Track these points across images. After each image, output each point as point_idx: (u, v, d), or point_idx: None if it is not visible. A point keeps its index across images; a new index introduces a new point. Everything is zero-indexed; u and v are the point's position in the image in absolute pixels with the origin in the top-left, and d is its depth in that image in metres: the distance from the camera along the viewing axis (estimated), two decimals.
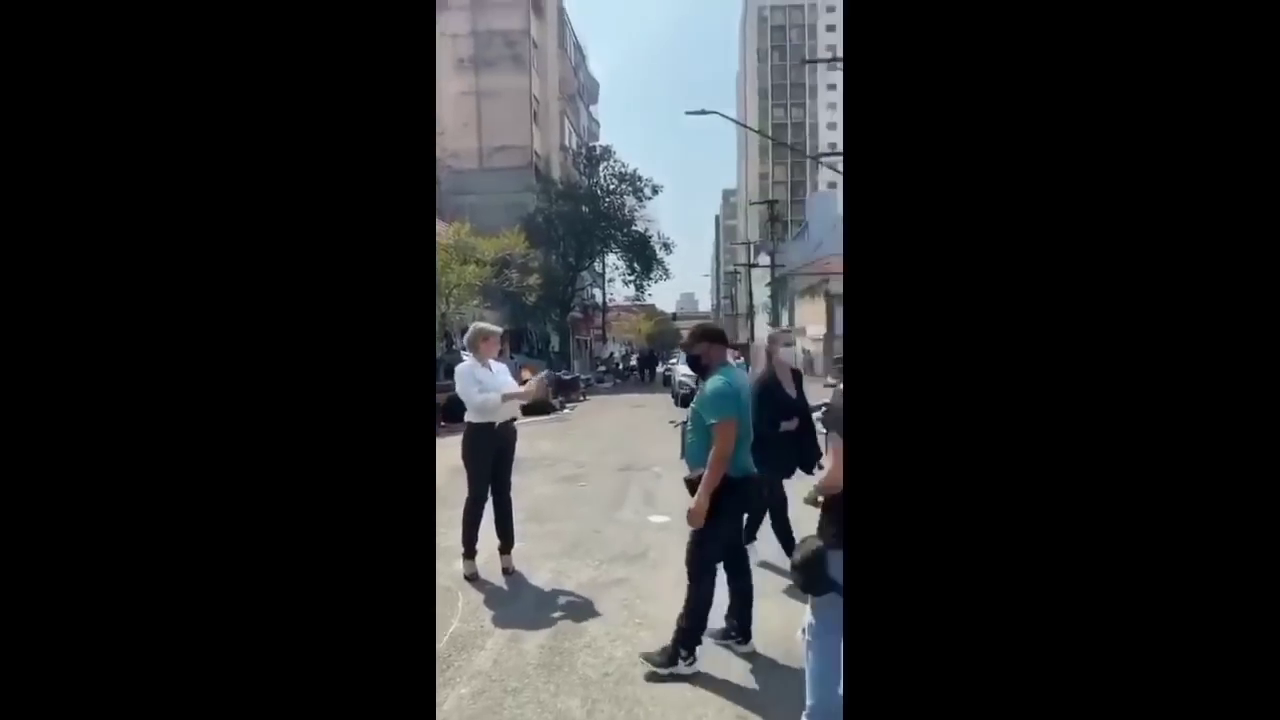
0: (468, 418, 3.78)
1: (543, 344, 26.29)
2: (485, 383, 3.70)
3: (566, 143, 34.19)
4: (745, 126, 30.41)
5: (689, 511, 2.47)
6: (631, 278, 29.75)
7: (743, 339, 38.57)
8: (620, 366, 31.34)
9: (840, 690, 1.85)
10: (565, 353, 28.60)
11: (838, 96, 66.36)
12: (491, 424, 3.71)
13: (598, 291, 34.04)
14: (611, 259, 30.37)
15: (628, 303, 38.97)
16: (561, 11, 34.90)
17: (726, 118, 16.15)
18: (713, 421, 2.43)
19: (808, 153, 55.04)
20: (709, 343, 2.63)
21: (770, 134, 46.51)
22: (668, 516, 4.80)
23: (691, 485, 2.53)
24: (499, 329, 4.05)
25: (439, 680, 2.56)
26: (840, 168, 19.47)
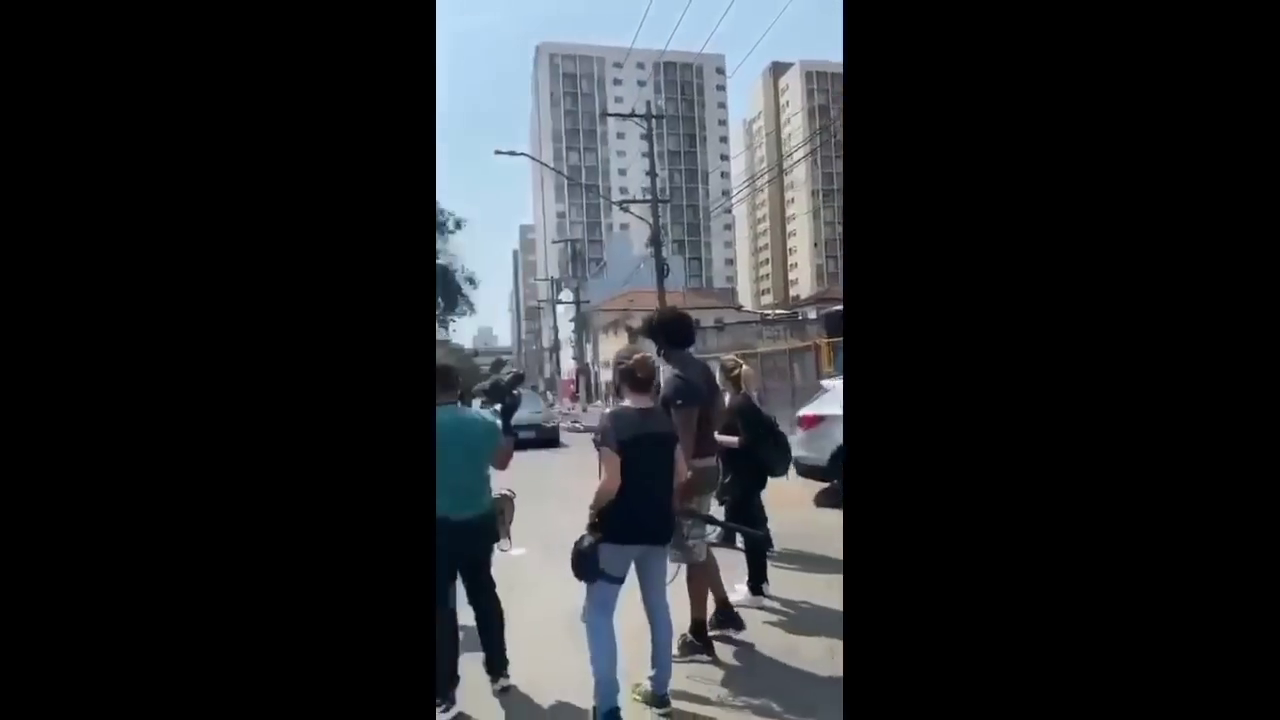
0: None
1: None
2: None
3: None
4: (552, 169, 31.42)
5: None
6: (435, 313, 28.71)
7: (548, 372, 38.96)
8: None
9: (613, 663, 2.43)
10: None
11: (626, 145, 71.21)
12: None
13: None
14: None
15: None
16: None
17: (535, 160, 16.73)
18: None
19: (601, 194, 58.15)
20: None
21: (567, 177, 48.68)
22: (518, 550, 5.00)
23: None
24: None
25: None
26: (634, 212, 21.09)
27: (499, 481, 2.90)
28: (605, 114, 22.27)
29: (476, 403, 3.50)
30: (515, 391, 3.15)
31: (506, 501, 2.89)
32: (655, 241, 15.21)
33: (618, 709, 2.48)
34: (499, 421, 2.90)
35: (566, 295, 39.26)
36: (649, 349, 3.04)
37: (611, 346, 34.12)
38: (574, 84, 77.81)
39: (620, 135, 70.42)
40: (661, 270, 14.89)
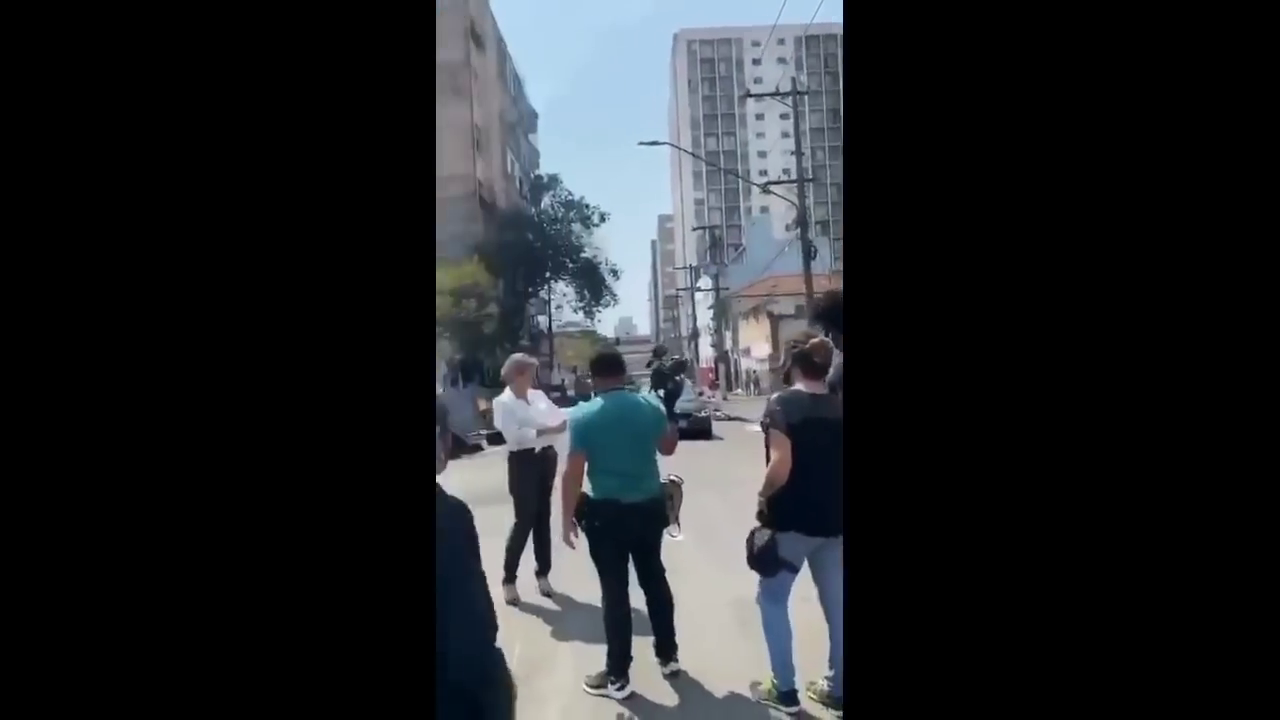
0: (508, 448, 3.93)
1: (494, 373, 26.03)
2: (521, 417, 3.87)
3: (509, 171, 34.28)
4: (693, 154, 31.47)
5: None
6: (581, 304, 30.01)
7: (686, 360, 39.32)
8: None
9: (789, 645, 2.45)
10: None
11: (765, 126, 69.27)
12: (532, 451, 3.88)
13: (541, 318, 34.03)
14: (560, 286, 30.54)
15: (570, 329, 39.11)
16: (500, 42, 35.23)
17: (676, 147, 16.76)
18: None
19: (740, 178, 57.16)
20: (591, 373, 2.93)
21: (707, 162, 48.42)
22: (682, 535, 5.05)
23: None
24: (534, 360, 4.23)
25: (524, 696, 2.71)
26: (778, 193, 20.49)
27: (665, 468, 2.93)
28: (748, 94, 21.71)
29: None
30: (678, 378, 3.16)
31: (675, 487, 2.91)
32: (801, 223, 14.62)
33: (795, 690, 2.41)
34: (664, 407, 2.92)
35: (705, 283, 39.19)
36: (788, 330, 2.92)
37: (752, 333, 33.55)
38: (712, 68, 77.04)
39: (759, 117, 68.71)
40: (808, 252, 14.29)
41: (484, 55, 32.56)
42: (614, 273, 30.04)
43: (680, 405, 9.78)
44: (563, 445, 3.91)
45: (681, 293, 48.04)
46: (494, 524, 3.53)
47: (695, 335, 40.97)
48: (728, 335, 38.34)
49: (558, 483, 3.89)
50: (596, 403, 2.78)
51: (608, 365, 2.88)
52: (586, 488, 2.77)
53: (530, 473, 3.87)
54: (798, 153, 14.72)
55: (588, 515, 2.72)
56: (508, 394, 3.95)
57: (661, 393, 3.03)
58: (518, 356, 4.12)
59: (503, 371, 4.06)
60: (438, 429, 1.27)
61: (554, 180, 30.59)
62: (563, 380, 34.08)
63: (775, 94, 16.10)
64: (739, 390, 34.47)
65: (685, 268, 45.57)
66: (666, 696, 2.69)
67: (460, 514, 1.23)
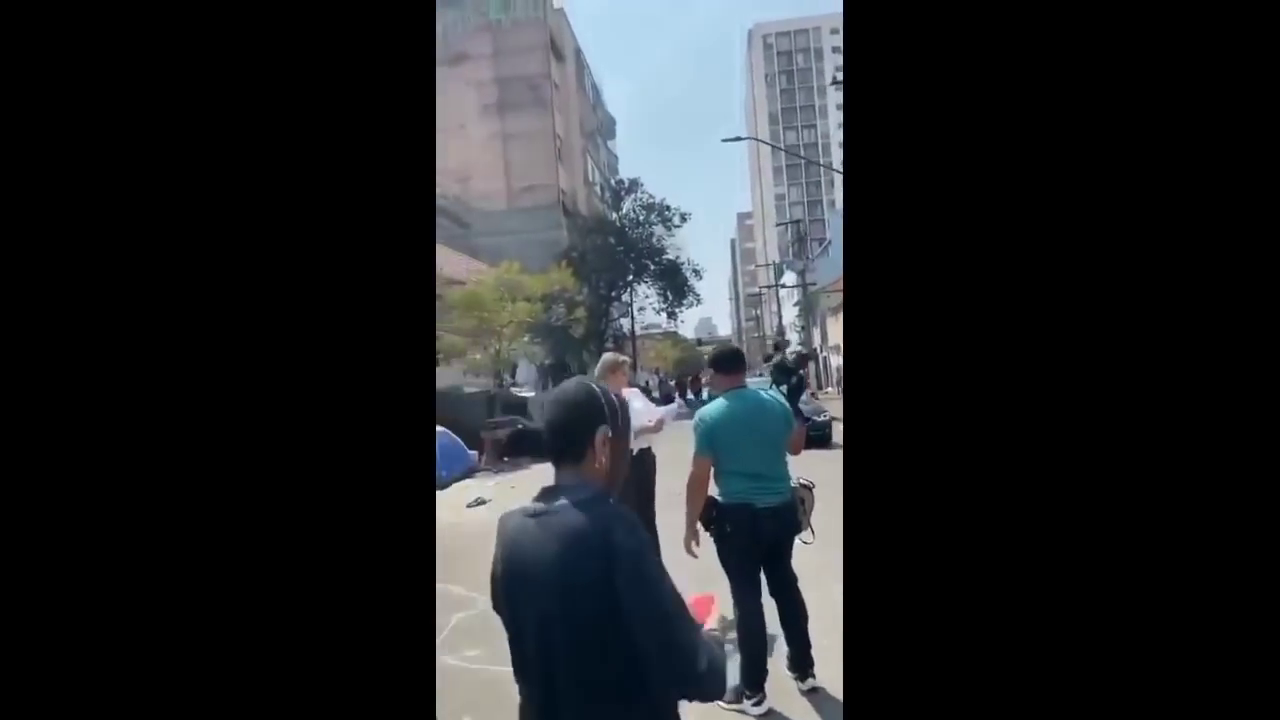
0: None
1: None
2: None
3: (590, 178, 34.86)
4: (775, 147, 30.82)
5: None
6: (664, 306, 29.98)
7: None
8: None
9: None
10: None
11: None
12: (630, 452, 3.78)
13: (624, 321, 34.25)
14: (642, 289, 30.65)
15: (651, 331, 39.13)
16: (579, 53, 35.93)
17: (758, 140, 16.42)
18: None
19: (824, 167, 55.42)
20: (712, 370, 2.73)
21: (789, 154, 47.20)
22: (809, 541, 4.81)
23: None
24: (626, 358, 4.14)
25: None
26: None
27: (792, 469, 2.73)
28: (834, 82, 20.94)
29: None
30: (801, 372, 2.95)
31: (806, 491, 2.72)
32: None
33: None
34: (789, 405, 2.73)
35: (789, 279, 38.20)
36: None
37: (841, 329, 32.34)
38: (789, 60, 75.38)
39: (840, 106, 66.43)
40: None
41: (563, 67, 33.33)
42: (696, 273, 29.83)
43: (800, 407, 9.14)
44: (658, 444, 3.76)
45: (764, 290, 47.09)
46: None
47: (781, 333, 39.99)
48: (815, 332, 37.20)
49: (673, 486, 3.82)
50: (720, 403, 2.63)
51: (729, 362, 2.72)
52: (712, 491, 2.63)
53: (629, 476, 3.77)
54: None
55: (718, 520, 2.57)
56: None
57: (784, 389, 2.83)
58: (610, 355, 4.03)
59: (595, 372, 3.99)
60: (602, 428, 1.07)
61: (634, 184, 30.72)
62: (646, 382, 34.15)
63: None
64: (829, 389, 33.35)
65: (767, 264, 44.68)
66: (806, 715, 2.50)
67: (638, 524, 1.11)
